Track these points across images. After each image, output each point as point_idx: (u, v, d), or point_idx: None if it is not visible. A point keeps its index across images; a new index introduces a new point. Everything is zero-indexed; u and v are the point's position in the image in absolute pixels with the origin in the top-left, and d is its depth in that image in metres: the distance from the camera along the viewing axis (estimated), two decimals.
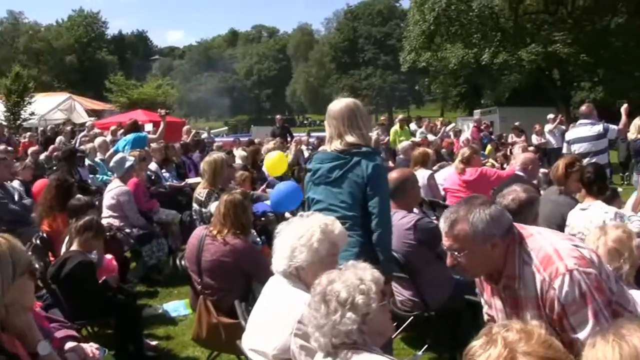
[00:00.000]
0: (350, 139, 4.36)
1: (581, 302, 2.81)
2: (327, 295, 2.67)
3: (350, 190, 4.34)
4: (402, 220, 5.43)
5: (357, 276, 2.70)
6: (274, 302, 3.48)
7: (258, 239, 6.96)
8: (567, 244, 2.99)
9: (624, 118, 10.03)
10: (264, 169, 12.16)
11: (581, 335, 2.77)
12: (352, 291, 2.64)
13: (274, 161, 9.77)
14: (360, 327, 2.63)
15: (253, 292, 4.96)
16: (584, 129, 9.62)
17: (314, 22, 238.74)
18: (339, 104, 4.50)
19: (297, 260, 3.40)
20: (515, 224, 3.08)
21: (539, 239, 3.00)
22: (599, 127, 9.52)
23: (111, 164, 9.30)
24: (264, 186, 10.35)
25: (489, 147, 19.47)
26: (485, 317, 3.37)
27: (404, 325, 5.57)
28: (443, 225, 3.01)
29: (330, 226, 3.49)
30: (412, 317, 5.51)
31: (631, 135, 11.03)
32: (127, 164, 8.87)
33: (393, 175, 5.63)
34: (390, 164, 13.63)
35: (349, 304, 2.62)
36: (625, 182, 18.14)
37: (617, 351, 1.77)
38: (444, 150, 15.79)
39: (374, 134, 17.14)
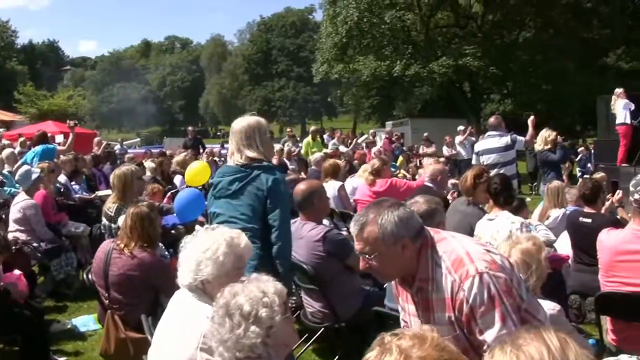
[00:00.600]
0: (250, 153, 4.49)
1: (489, 305, 2.85)
2: (231, 309, 2.63)
3: (249, 203, 4.40)
4: (311, 232, 5.43)
5: (260, 289, 2.68)
6: (180, 316, 3.41)
7: (166, 252, 6.84)
8: (479, 248, 3.05)
9: (530, 130, 10.34)
10: (176, 180, 12.00)
11: (488, 337, 2.81)
12: (256, 304, 2.62)
13: (197, 171, 9.56)
14: (265, 341, 2.60)
15: (162, 306, 4.85)
16: (493, 140, 9.86)
17: (227, 34, 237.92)
18: (241, 121, 4.62)
19: (203, 273, 3.34)
20: (429, 227, 3.13)
21: (452, 242, 3.04)
22: (506, 139, 9.76)
23: (17, 176, 9.01)
24: (168, 197, 10.12)
25: (400, 158, 19.80)
26: (402, 323, 3.38)
27: (315, 337, 5.55)
28: (353, 229, 3.02)
29: (236, 239, 3.46)
30: (322, 329, 5.50)
31: (538, 146, 11.38)
32: (33, 176, 8.64)
33: (301, 187, 5.66)
34: (303, 175, 13.68)
35: (252, 317, 2.59)
36: (534, 192, 18.82)
37: None
38: (356, 161, 15.92)
39: (284, 146, 17.29)
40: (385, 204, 3.04)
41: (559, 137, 12.04)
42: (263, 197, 4.38)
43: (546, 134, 11.30)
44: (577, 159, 23.39)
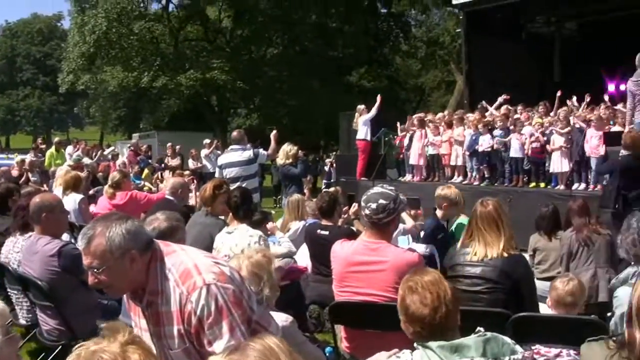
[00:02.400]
0: None
1: (217, 316, 2.85)
2: None
3: None
4: (46, 246, 5.27)
5: None
6: None
7: None
8: (208, 260, 3.05)
9: (273, 144, 10.61)
10: None
11: (217, 348, 2.80)
12: None
13: None
14: None
15: None
16: (235, 154, 9.97)
17: None
18: None
19: None
20: (158, 240, 3.10)
21: (180, 255, 3.02)
22: (249, 153, 9.93)
23: None
24: None
25: (146, 170, 19.51)
26: None
27: (53, 355, 5.31)
28: (80, 242, 2.93)
29: None
30: (60, 347, 5.28)
31: (280, 160, 11.71)
32: None
33: (36, 200, 5.49)
34: (45, 187, 13.14)
35: None
36: (278, 206, 19.36)
37: None
38: (100, 174, 15.43)
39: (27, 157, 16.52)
40: (113, 217, 2.99)
41: (300, 151, 12.50)
42: None
43: (287, 148, 11.67)
44: (324, 173, 24.53)
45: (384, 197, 4.26)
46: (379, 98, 16.80)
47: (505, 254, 4.44)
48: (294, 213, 8.28)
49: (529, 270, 4.73)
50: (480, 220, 4.56)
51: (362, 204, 4.37)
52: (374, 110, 16.53)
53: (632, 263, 4.55)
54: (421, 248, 7.10)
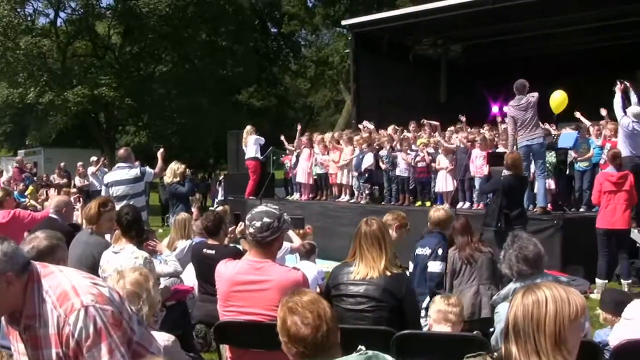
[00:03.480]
0: None
1: (96, 338, 2.80)
2: None
3: None
4: None
5: None
6: None
7: None
8: (87, 281, 2.98)
9: (160, 162, 10.47)
10: None
11: None
12: None
13: None
14: None
15: None
16: (122, 172, 9.79)
17: None
18: None
19: None
20: (35, 262, 3.00)
21: (58, 276, 2.94)
22: (136, 171, 9.77)
23: None
24: None
25: (30, 187, 18.87)
26: None
27: None
28: None
29: None
30: None
31: (167, 179, 11.56)
32: None
33: None
34: None
35: None
36: (166, 224, 19.05)
37: None
38: None
39: None
40: None
41: (188, 169, 12.39)
42: None
43: (175, 166, 11.55)
44: (212, 191, 24.33)
45: (268, 215, 4.27)
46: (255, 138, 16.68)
47: (389, 273, 4.51)
48: (181, 232, 8.19)
49: (412, 289, 4.80)
50: (364, 239, 4.61)
51: (247, 222, 4.36)
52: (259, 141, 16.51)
53: (514, 279, 4.72)
54: (437, 266, 7.12)
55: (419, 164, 13.99)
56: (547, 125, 13.11)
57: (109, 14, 34.78)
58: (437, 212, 7.72)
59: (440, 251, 7.23)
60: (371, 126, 16.29)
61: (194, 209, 11.17)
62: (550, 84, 13.73)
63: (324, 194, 16.12)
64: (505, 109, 12.11)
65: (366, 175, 14.72)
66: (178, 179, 11.45)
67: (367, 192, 14.82)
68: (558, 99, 12.94)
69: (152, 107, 34.04)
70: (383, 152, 14.67)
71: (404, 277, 4.68)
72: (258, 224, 4.25)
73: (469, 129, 14.34)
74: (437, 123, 14.80)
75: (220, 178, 24.61)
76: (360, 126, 16.84)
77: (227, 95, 38.63)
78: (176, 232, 8.24)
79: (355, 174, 14.97)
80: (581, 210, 12.62)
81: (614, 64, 20.44)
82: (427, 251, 7.27)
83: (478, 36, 20.54)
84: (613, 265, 10.28)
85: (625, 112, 11.10)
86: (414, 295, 4.84)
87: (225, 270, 4.50)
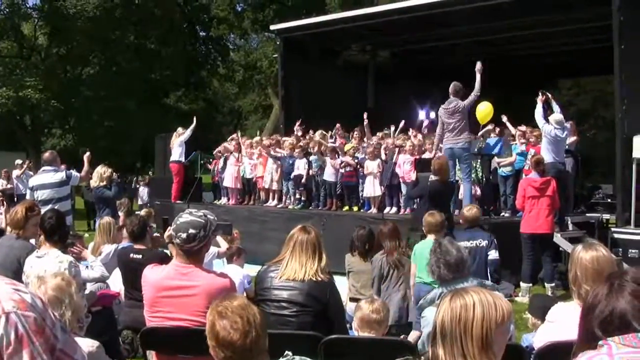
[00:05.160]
0: None
1: (17, 346, 2.65)
2: None
3: None
4: None
5: None
6: None
7: None
8: (8, 287, 2.82)
9: (86, 166, 10.33)
10: None
11: None
12: None
13: None
14: None
15: None
16: (47, 175, 9.56)
17: None
18: None
19: None
20: None
21: None
22: (61, 175, 9.57)
23: None
24: None
25: None
26: None
27: None
28: None
29: None
30: None
31: (93, 182, 11.35)
32: None
33: None
34: None
35: None
36: (92, 228, 18.65)
37: None
38: None
39: None
40: None
41: (115, 173, 12.17)
42: None
43: (101, 170, 11.34)
44: (141, 195, 23.95)
45: (193, 226, 4.19)
46: (194, 119, 16.73)
47: (314, 278, 4.51)
48: (105, 236, 8.03)
49: (337, 294, 4.80)
50: (300, 245, 4.60)
51: (172, 232, 4.30)
52: (188, 132, 16.50)
53: (438, 284, 4.77)
54: (495, 254, 8.72)
55: (346, 169, 14.03)
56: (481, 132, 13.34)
57: (35, 14, 33.89)
58: (471, 210, 8.94)
59: (495, 241, 8.68)
60: (299, 133, 16.32)
61: (120, 214, 10.92)
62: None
63: (252, 199, 16.07)
64: (433, 114, 12.31)
65: (296, 180, 14.74)
66: (104, 182, 11.25)
67: (297, 196, 14.82)
68: (484, 111, 13.19)
69: (79, 110, 33.37)
70: (312, 158, 14.67)
71: (329, 283, 4.66)
72: (184, 235, 4.18)
73: (396, 134, 14.52)
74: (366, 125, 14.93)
75: (145, 181, 24.21)
76: (296, 127, 16.78)
77: (155, 99, 38.20)
78: (101, 236, 8.08)
79: (288, 179, 15.00)
80: (505, 215, 12.89)
81: (537, 74, 21.14)
82: (482, 242, 8.65)
83: (407, 42, 20.75)
84: (537, 268, 10.49)
85: (547, 120, 11.40)
86: (339, 300, 4.84)
87: (151, 275, 4.42)
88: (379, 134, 14.80)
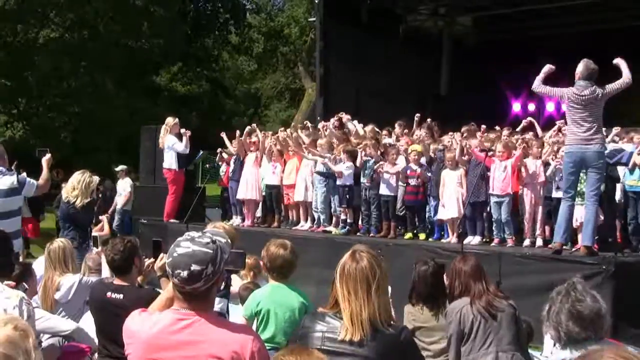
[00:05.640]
0: None
1: None
2: None
3: None
4: None
5: None
6: None
7: None
8: None
9: (45, 171, 10.36)
10: None
11: None
12: None
13: None
14: None
15: None
16: None
17: None
18: None
19: None
20: None
21: None
22: (11, 179, 9.49)
23: None
24: None
25: None
26: None
27: None
28: None
29: None
30: None
31: (66, 194, 11.41)
32: None
33: None
34: None
35: None
36: None
37: None
38: None
39: None
40: None
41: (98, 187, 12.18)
42: None
43: (80, 178, 11.29)
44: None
45: (197, 261, 4.05)
46: (187, 134, 16.50)
47: (386, 330, 4.44)
48: (59, 266, 7.98)
49: (411, 340, 4.77)
50: (349, 280, 4.49)
51: (168, 268, 4.16)
52: (183, 145, 16.25)
53: (560, 345, 4.63)
54: None
55: (411, 181, 13.86)
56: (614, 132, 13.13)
57: None
58: None
59: None
60: (353, 126, 16.15)
61: (95, 233, 10.77)
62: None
63: (275, 218, 16.04)
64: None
65: (340, 193, 14.66)
66: (87, 198, 11.13)
67: (341, 217, 14.69)
68: None
69: (33, 88, 33.57)
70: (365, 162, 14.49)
71: (407, 334, 4.64)
72: (184, 273, 4.04)
73: (482, 133, 14.36)
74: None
75: (129, 190, 24.20)
76: (321, 125, 16.59)
77: (140, 76, 38.34)
78: (52, 266, 8.00)
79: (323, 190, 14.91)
80: None
81: None
82: None
83: (496, 3, 20.52)
84: None
85: None
86: (415, 347, 4.81)
87: (139, 326, 4.32)
88: (465, 130, 14.52)
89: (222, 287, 5.17)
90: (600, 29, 20.18)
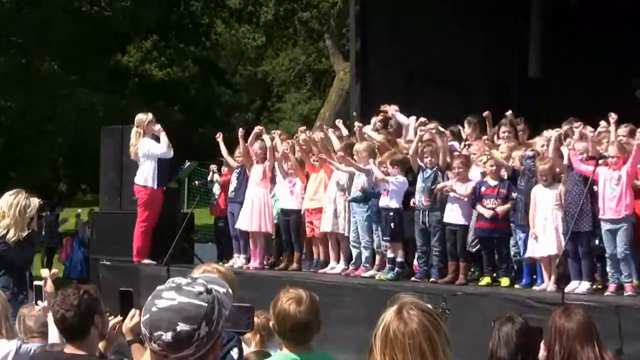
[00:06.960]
0: None
1: None
2: None
3: None
4: None
5: None
6: None
7: None
8: None
9: None
10: None
11: None
12: None
13: None
14: None
15: None
16: None
17: None
18: None
19: None
20: None
21: None
22: None
23: None
24: None
25: None
26: None
27: None
28: None
29: None
30: None
31: None
32: None
33: None
34: None
35: None
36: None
37: None
38: None
39: None
40: None
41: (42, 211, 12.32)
42: None
43: (13, 201, 11.40)
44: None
45: (186, 318, 3.92)
46: (163, 134, 16.55)
47: None
48: None
49: None
50: (397, 347, 4.47)
51: (144, 329, 4.10)
52: (162, 148, 16.29)
53: None
54: None
55: (487, 203, 13.81)
56: None
57: None
58: None
59: None
60: (406, 119, 16.13)
61: (38, 283, 10.80)
62: None
63: (294, 258, 16.02)
64: None
65: (384, 219, 14.60)
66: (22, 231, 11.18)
67: (391, 255, 14.64)
68: None
69: None
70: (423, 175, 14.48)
71: None
72: (168, 336, 3.93)
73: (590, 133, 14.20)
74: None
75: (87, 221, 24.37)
76: (357, 125, 16.54)
77: (98, 56, 38.55)
78: None
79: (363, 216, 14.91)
80: None
81: None
82: None
83: None
84: None
85: None
86: None
87: None
88: (560, 129, 14.47)
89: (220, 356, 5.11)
90: None
